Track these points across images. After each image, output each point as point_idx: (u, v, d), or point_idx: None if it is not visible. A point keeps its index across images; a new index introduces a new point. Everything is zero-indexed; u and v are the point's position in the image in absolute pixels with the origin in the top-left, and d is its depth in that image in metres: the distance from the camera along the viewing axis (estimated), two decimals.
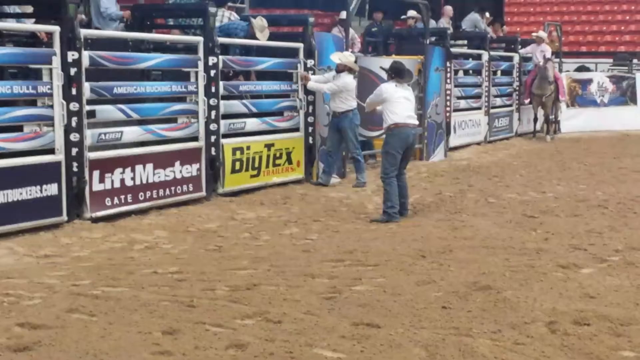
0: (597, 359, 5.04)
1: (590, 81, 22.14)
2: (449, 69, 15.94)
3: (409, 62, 14.71)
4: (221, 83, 10.59)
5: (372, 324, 5.63)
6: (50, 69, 8.52)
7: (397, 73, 10.09)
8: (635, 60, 25.07)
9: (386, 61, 14.39)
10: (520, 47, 20.10)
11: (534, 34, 20.75)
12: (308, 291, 6.45)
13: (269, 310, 5.91)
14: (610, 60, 25.54)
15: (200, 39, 10.42)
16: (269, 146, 11.60)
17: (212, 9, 10.64)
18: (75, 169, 8.77)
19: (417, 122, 10.34)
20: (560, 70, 21.37)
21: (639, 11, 29.15)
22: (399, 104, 9.84)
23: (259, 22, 11.68)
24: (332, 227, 9.19)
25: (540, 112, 19.69)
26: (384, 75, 13.41)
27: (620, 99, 22.59)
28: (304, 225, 9.23)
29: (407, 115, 9.89)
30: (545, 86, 18.92)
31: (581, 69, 23.90)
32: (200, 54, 10.31)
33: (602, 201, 10.90)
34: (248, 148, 11.16)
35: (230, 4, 13.75)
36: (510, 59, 19.63)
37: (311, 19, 12.26)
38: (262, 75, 12.00)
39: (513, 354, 5.10)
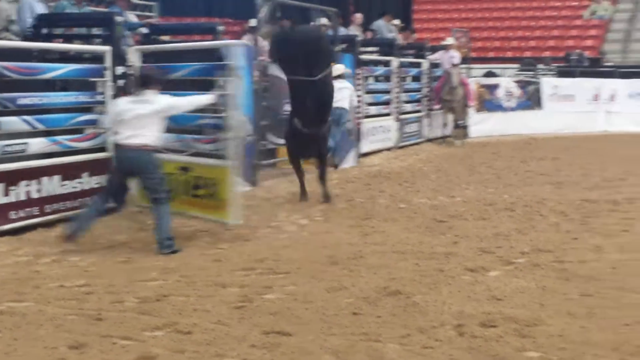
0: None
1: (497, 86, 22.55)
2: (359, 76, 16.04)
3: None
4: None
5: (283, 332, 5.64)
6: None
7: (145, 82, 8.48)
8: (540, 66, 25.61)
9: None
10: (429, 53, 20.35)
11: (442, 42, 21.05)
12: (218, 301, 6.42)
13: (178, 321, 5.86)
14: (517, 66, 26.04)
15: (107, 48, 10.28)
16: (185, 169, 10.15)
17: (118, 18, 10.51)
18: None
19: (143, 142, 8.38)
20: (469, 76, 21.71)
21: (543, 17, 29.83)
22: (125, 123, 8.41)
23: None
24: (243, 235, 9.14)
25: (450, 118, 19.99)
26: None
27: (527, 103, 23.06)
28: (214, 235, 9.17)
29: (128, 135, 8.38)
30: (453, 92, 19.22)
31: (489, 74, 24.29)
32: (108, 63, 10.17)
33: (509, 204, 11.08)
34: None
35: (138, 12, 13.63)
36: (419, 65, 19.86)
37: (220, 27, 12.21)
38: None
39: (421, 358, 5.15)
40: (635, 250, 8.18)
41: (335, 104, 12.65)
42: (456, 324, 5.78)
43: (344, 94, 13.63)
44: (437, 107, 19.86)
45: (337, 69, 14.19)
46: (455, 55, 19.94)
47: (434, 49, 20.74)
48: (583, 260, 7.74)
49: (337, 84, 12.93)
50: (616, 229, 9.30)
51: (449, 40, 20.66)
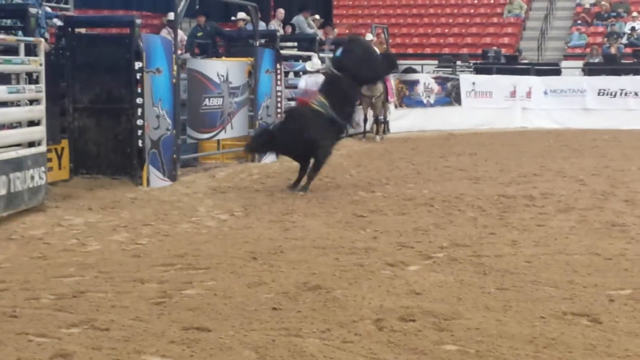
0: (421, 354, 5.17)
1: (417, 82, 22.78)
2: (279, 71, 16.03)
3: (240, 64, 14.80)
4: None
5: (202, 327, 5.60)
6: None
7: None
8: (458, 62, 25.96)
9: (218, 63, 14.46)
10: None
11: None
12: (137, 297, 6.35)
13: (96, 317, 5.78)
14: (436, 62, 26.35)
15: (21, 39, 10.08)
16: None
17: (32, 10, 10.30)
18: None
19: None
20: None
21: (461, 15, 30.26)
22: None
23: None
24: (163, 231, 9.06)
25: (370, 113, 20.10)
26: (215, 77, 13.51)
27: (446, 99, 23.36)
28: (133, 230, 9.06)
29: None
30: (373, 87, 19.31)
31: (408, 70, 24.52)
32: (22, 55, 9.96)
33: (428, 199, 11.20)
34: None
35: (54, 3, 13.40)
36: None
37: (138, 21, 12.06)
38: None
39: (341, 352, 5.17)
40: (550, 245, 8.34)
41: None
42: (376, 319, 5.81)
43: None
44: (357, 102, 19.93)
45: (314, 64, 16.57)
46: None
47: None
48: (500, 255, 7.86)
49: (315, 77, 15.34)
50: (532, 224, 9.47)
51: (369, 37, 20.77)
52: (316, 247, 8.21)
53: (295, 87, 17.62)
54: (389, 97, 20.22)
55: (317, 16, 21.00)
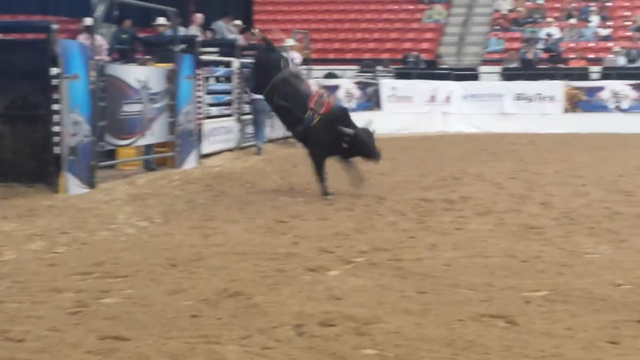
0: (340, 359, 5.18)
1: (337, 87, 22.86)
2: (199, 77, 15.95)
3: (160, 69, 14.67)
4: None
5: (120, 337, 5.53)
6: None
7: None
8: (379, 67, 26.14)
9: (138, 69, 14.31)
10: None
11: (283, 43, 21.14)
12: (53, 307, 6.24)
13: (10, 328, 5.66)
14: (356, 67, 26.49)
15: None
16: None
17: None
18: None
19: None
20: (309, 77, 21.88)
21: (382, 20, 30.46)
22: None
23: None
24: (81, 239, 8.92)
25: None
26: (134, 83, 13.37)
27: (366, 104, 23.49)
28: (50, 238, 8.89)
29: None
30: None
31: (329, 75, 24.62)
32: None
33: (349, 204, 11.25)
34: None
35: None
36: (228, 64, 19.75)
37: (55, 26, 11.87)
38: None
39: (261, 359, 5.15)
40: (468, 248, 8.44)
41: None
42: (296, 324, 5.81)
43: None
44: None
45: None
46: (296, 57, 20.08)
47: None
48: (419, 258, 7.93)
49: None
50: (451, 227, 9.57)
51: (290, 42, 20.79)
52: (237, 253, 8.17)
53: (215, 92, 17.54)
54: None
55: (238, 21, 20.93)
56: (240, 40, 20.03)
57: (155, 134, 14.30)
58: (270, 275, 7.26)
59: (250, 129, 18.88)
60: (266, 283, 6.98)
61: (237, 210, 10.83)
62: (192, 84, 15.37)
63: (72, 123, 11.81)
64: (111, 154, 13.81)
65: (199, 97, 15.92)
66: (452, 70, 26.17)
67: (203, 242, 8.76)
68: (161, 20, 17.88)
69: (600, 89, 24.12)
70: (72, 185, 11.73)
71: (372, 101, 23.69)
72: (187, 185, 13.01)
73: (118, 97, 13.22)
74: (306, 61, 22.27)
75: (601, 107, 23.82)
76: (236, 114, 18.20)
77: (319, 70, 24.83)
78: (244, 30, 21.31)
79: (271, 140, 19.89)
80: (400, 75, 25.73)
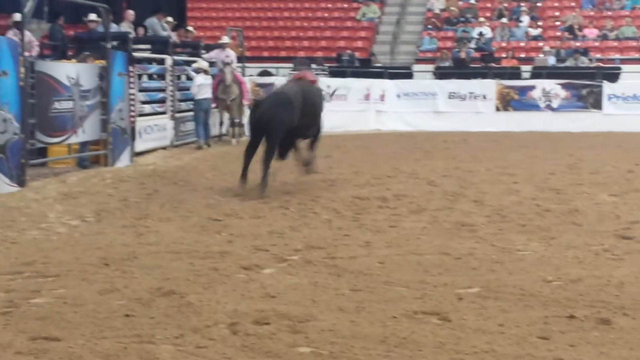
0: (275, 357, 5.18)
1: (272, 85, 22.79)
2: (132, 74, 15.79)
3: (91, 66, 14.49)
4: None
5: (51, 337, 5.45)
6: None
7: None
8: (313, 65, 26.13)
9: (69, 66, 14.11)
10: (204, 52, 20.33)
11: (219, 41, 21.08)
12: None
13: None
14: (291, 65, 26.45)
15: None
16: None
17: None
18: None
19: None
20: (244, 75, 21.83)
21: (316, 18, 30.50)
22: None
23: None
24: (10, 238, 8.77)
25: (226, 116, 20.01)
26: (65, 80, 13.18)
27: None
28: None
29: None
30: (228, 90, 19.26)
31: (264, 73, 24.56)
32: None
33: (283, 202, 11.23)
34: None
35: None
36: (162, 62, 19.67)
37: None
38: None
39: (195, 358, 5.13)
40: (402, 245, 8.50)
41: (203, 96, 18.35)
42: (230, 323, 5.79)
43: (208, 87, 18.48)
44: (214, 105, 19.82)
45: (201, 64, 18.55)
46: (231, 54, 20.02)
47: (209, 48, 20.74)
48: (353, 256, 7.96)
49: (201, 78, 18.12)
50: (384, 225, 9.63)
51: (225, 39, 20.73)
52: (170, 252, 8.12)
53: (149, 90, 17.42)
54: (244, 100, 20.15)
55: (170, 18, 20.77)
56: (174, 37, 19.86)
57: (87, 131, 14.12)
58: (205, 273, 7.22)
59: (184, 127, 18.79)
60: (200, 282, 6.94)
61: (171, 208, 10.75)
62: (124, 81, 15.21)
63: (1, 120, 11.60)
64: (42, 152, 13.62)
65: (132, 94, 15.76)
66: (386, 68, 26.29)
67: (136, 241, 8.68)
68: (92, 16, 17.65)
69: (531, 88, 24.46)
70: (2, 184, 11.54)
71: None
72: (120, 184, 12.86)
73: (48, 94, 13.02)
74: (240, 59, 22.19)
75: (532, 106, 24.15)
76: (170, 111, 18.06)
77: (253, 68, 24.76)
78: (177, 27, 21.15)
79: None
80: (335, 73, 25.77)
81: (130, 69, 15.65)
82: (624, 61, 26.56)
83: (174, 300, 6.35)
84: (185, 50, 20.51)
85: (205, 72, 18.74)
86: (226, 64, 19.29)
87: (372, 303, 6.32)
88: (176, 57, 18.76)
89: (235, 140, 19.75)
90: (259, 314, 6.00)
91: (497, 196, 11.75)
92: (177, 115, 18.40)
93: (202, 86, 18.64)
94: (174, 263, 7.66)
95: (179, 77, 18.83)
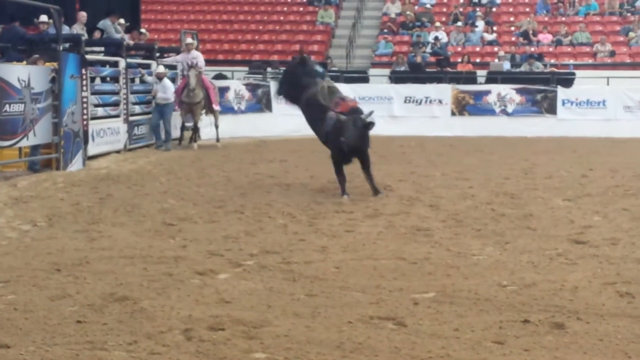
0: None
1: (227, 89, 22.71)
2: (84, 76, 15.61)
3: (43, 69, 14.31)
4: None
5: (1, 344, 5.36)
6: None
7: None
8: (269, 69, 26.09)
9: (20, 68, 13.91)
10: (168, 55, 20.24)
11: (185, 43, 20.97)
12: None
13: None
14: (246, 69, 26.39)
15: None
16: None
17: None
18: None
19: None
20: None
21: (271, 22, 30.47)
22: None
23: None
24: None
25: (190, 120, 19.86)
26: (16, 82, 13.00)
27: (256, 106, 23.41)
28: None
29: None
30: (192, 94, 19.13)
31: (219, 76, 24.44)
32: None
33: (239, 206, 11.16)
34: None
35: None
36: (148, 67, 19.65)
37: None
38: None
39: None
40: (358, 250, 8.48)
41: (163, 100, 18.76)
42: (184, 329, 5.73)
43: (170, 92, 18.97)
44: (177, 109, 19.73)
45: (160, 69, 19.02)
46: (197, 57, 19.91)
47: (163, 50, 20.60)
48: (309, 261, 7.92)
49: (162, 82, 18.61)
50: (340, 230, 9.60)
51: (189, 40, 20.65)
52: (123, 257, 8.03)
53: (102, 93, 17.27)
54: (214, 105, 20.00)
55: (123, 20, 20.59)
56: (127, 39, 19.69)
57: (38, 134, 13.93)
58: (158, 279, 7.15)
59: (138, 130, 18.65)
60: (154, 287, 6.86)
61: (125, 213, 10.63)
62: (77, 84, 15.03)
63: None
64: None
65: (85, 97, 15.58)
66: (342, 72, 26.31)
67: (89, 246, 8.57)
68: (43, 18, 17.44)
69: (487, 92, 24.62)
70: None
71: (262, 103, 23.61)
72: (73, 188, 12.71)
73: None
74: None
75: (487, 111, 24.31)
76: (124, 114, 17.90)
77: (208, 72, 24.60)
78: (130, 29, 20.98)
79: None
80: None
81: (83, 71, 15.46)
82: (578, 66, 26.86)
83: (127, 306, 6.27)
84: (138, 53, 20.34)
85: (161, 77, 19.00)
86: (190, 66, 19.17)
87: (328, 308, 6.29)
88: (130, 60, 18.59)
89: (197, 145, 19.59)
90: (214, 319, 5.94)
91: (452, 201, 11.78)
92: (131, 118, 18.24)
93: (160, 89, 18.65)
94: (127, 268, 7.57)
95: (132, 80, 18.67)
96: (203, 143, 20.22)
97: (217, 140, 20.00)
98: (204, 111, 20.04)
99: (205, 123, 20.94)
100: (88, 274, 7.31)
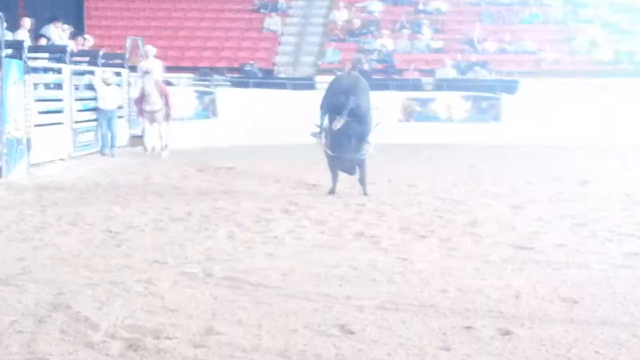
0: None
1: (174, 96, 22.52)
2: (28, 83, 15.40)
3: None
4: None
5: None
6: None
7: None
8: (216, 76, 26.00)
9: None
10: (103, 60, 20.05)
11: (145, 50, 20.85)
12: None
13: None
14: (193, 76, 26.26)
15: None
16: None
17: None
18: None
19: None
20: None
21: (218, 28, 30.34)
22: None
23: None
24: None
25: (151, 128, 19.69)
26: None
27: (204, 113, 23.31)
28: None
29: None
30: (150, 100, 19.01)
31: (166, 84, 24.26)
32: None
33: (185, 214, 11.09)
34: None
35: None
36: (93, 73, 19.45)
37: None
38: None
39: None
40: (304, 257, 8.46)
41: (107, 106, 18.81)
42: (128, 337, 5.67)
43: (115, 98, 19.15)
44: (140, 118, 19.61)
45: (106, 75, 19.05)
46: (156, 63, 19.81)
47: (108, 57, 20.43)
48: (255, 269, 7.88)
49: (109, 89, 18.84)
50: (287, 237, 9.57)
51: (148, 47, 20.53)
52: (67, 266, 7.94)
53: (45, 100, 17.06)
54: (171, 111, 19.87)
55: (67, 26, 20.35)
56: (71, 45, 19.48)
57: None
58: (103, 288, 7.06)
59: (83, 138, 18.45)
60: (98, 296, 6.78)
61: (69, 221, 10.50)
62: (20, 90, 14.82)
63: None
64: None
65: (28, 104, 15.37)
66: (289, 79, 26.30)
67: (32, 255, 8.45)
68: None
69: (433, 100, 24.79)
70: None
71: (209, 110, 23.51)
72: (16, 196, 12.54)
73: None
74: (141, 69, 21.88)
75: (434, 118, 24.46)
76: (68, 122, 17.69)
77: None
78: (75, 35, 20.76)
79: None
80: (237, 84, 25.67)
81: (26, 77, 15.25)
82: (523, 74, 27.14)
83: (69, 315, 6.19)
84: (83, 59, 20.12)
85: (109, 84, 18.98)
86: (145, 72, 19.09)
87: (274, 316, 6.27)
88: (74, 66, 18.40)
89: (166, 153, 19.42)
90: (158, 328, 5.88)
91: (399, 207, 11.82)
92: (76, 125, 18.03)
93: (106, 96, 18.56)
94: (70, 277, 7.47)
95: (77, 87, 18.46)
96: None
97: (165, 147, 19.86)
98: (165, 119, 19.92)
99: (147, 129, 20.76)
100: (31, 283, 7.20)
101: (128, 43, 21.78)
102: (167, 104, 19.55)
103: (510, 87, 25.24)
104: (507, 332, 5.91)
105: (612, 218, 10.92)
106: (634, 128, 23.57)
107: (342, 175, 13.37)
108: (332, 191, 13.14)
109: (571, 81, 26.33)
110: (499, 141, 23.36)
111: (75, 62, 19.08)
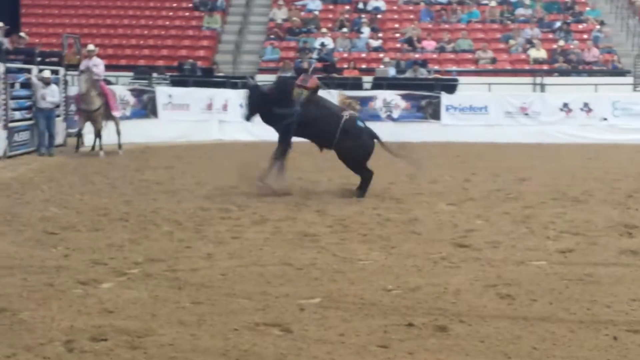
0: None
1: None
2: None
3: None
4: None
5: None
6: None
7: None
8: (154, 74, 25.83)
9: None
10: (39, 58, 19.79)
11: (86, 49, 20.63)
12: None
13: None
14: (131, 74, 26.05)
15: None
16: None
17: None
18: None
19: None
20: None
21: (157, 26, 30.16)
22: None
23: None
24: None
25: (89, 127, 19.47)
26: None
27: (142, 111, 23.14)
28: None
29: None
30: (87, 99, 18.79)
31: (105, 83, 24.04)
32: None
33: (123, 214, 10.98)
34: None
35: None
36: (29, 71, 19.20)
37: None
38: None
39: None
40: (244, 257, 8.44)
41: (44, 105, 18.70)
42: (66, 340, 5.61)
43: (57, 96, 19.18)
44: (76, 117, 19.41)
45: (44, 74, 18.98)
46: (98, 64, 19.59)
47: (44, 55, 20.17)
48: (195, 269, 7.84)
49: (47, 88, 18.69)
50: (227, 236, 9.53)
51: (90, 47, 20.28)
52: (3, 268, 7.80)
53: None
54: (114, 111, 19.67)
55: (1, 23, 20.05)
56: (6, 43, 19.19)
57: None
58: (39, 289, 6.97)
59: (19, 137, 18.20)
60: (34, 298, 6.69)
61: (4, 222, 10.33)
62: None
63: None
64: None
65: None
66: (229, 78, 26.23)
67: None
68: None
69: (372, 98, 24.91)
70: None
71: (147, 109, 23.35)
72: None
73: None
74: (76, 67, 21.63)
75: (373, 116, 24.56)
76: (3, 121, 17.42)
77: None
78: (10, 33, 20.44)
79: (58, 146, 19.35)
80: (176, 82, 25.54)
81: None
82: (461, 73, 27.42)
83: (5, 318, 6.10)
84: (18, 57, 19.83)
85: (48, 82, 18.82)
86: (81, 71, 18.90)
87: (214, 316, 6.24)
88: (9, 65, 18.12)
89: (103, 153, 19.20)
90: (96, 330, 5.83)
91: (339, 206, 11.85)
92: (11, 124, 17.76)
93: (44, 95, 18.36)
94: (6, 279, 7.35)
95: (12, 85, 18.19)
96: (85, 149, 19.86)
97: (120, 147, 19.72)
98: (117, 116, 19.74)
99: (88, 129, 20.55)
100: None
101: (64, 41, 21.51)
102: (107, 103, 19.33)
103: (449, 86, 25.48)
104: (445, 329, 5.97)
105: (548, 215, 11.07)
106: (570, 126, 23.99)
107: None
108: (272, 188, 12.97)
109: (508, 79, 26.70)
110: (437, 139, 23.57)
111: (11, 61, 18.78)
